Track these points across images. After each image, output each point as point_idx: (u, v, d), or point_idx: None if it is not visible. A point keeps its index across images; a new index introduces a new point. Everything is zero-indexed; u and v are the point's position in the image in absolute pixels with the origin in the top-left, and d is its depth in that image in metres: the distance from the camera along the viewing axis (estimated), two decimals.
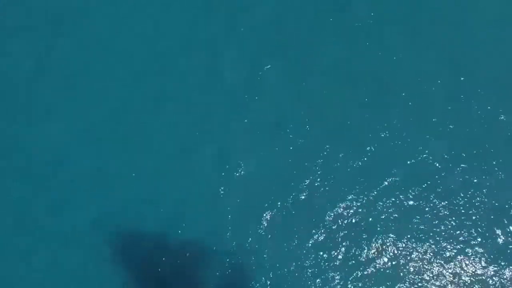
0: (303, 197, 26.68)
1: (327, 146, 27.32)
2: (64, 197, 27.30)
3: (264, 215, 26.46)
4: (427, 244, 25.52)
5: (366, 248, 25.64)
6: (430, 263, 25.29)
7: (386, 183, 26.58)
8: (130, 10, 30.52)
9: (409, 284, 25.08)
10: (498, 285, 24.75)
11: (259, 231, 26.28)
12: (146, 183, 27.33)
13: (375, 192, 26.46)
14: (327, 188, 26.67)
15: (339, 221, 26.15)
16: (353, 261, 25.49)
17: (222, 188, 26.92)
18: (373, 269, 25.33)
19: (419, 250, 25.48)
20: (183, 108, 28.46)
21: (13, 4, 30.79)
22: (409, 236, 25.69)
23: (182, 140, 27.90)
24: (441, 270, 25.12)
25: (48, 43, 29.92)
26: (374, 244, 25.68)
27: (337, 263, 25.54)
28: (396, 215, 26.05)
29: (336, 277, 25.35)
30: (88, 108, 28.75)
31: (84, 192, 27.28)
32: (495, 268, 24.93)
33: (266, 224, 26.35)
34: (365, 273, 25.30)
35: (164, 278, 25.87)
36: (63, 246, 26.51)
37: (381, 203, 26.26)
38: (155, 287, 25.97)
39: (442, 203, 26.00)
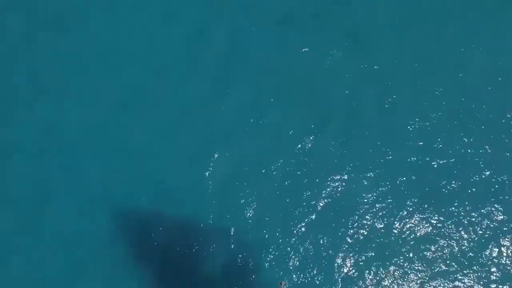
0: (291, 180, 26.98)
1: (313, 128, 27.71)
2: (64, 197, 27.28)
3: (251, 197, 26.76)
4: (418, 231, 25.83)
5: (352, 232, 25.90)
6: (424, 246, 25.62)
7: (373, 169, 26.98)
8: (129, 10, 30.61)
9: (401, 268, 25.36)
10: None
11: (247, 208, 26.58)
12: (146, 182, 27.35)
13: (363, 176, 26.86)
14: (313, 173, 27.00)
15: (324, 200, 26.49)
16: (341, 245, 25.82)
17: (216, 181, 27.10)
18: (362, 256, 25.59)
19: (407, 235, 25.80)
20: (181, 105, 28.70)
21: (13, 4, 30.85)
22: (396, 221, 26.00)
23: (179, 140, 28.13)
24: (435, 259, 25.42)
25: (48, 43, 29.97)
26: (362, 228, 25.90)
27: (322, 238, 25.89)
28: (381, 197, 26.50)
29: (321, 255, 25.67)
30: (87, 108, 28.80)
31: (84, 192, 27.28)
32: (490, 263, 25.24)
33: (254, 203, 26.66)
34: (354, 260, 25.53)
35: (163, 275, 25.91)
36: (63, 246, 26.45)
37: (368, 189, 26.64)
38: (154, 284, 25.95)
39: (437, 195, 26.39)
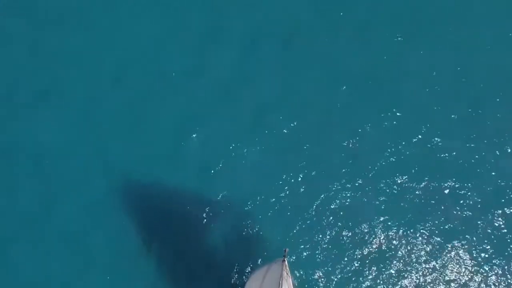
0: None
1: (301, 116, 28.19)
2: (64, 197, 27.21)
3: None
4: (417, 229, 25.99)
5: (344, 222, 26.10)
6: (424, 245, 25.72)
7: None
8: (129, 10, 30.80)
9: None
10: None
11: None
12: (144, 181, 27.36)
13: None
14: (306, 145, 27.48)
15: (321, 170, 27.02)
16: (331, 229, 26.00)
17: (214, 177, 27.35)
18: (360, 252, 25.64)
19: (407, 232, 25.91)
20: (181, 102, 28.95)
21: (13, 4, 30.95)
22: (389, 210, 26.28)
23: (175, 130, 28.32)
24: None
25: (48, 42, 30.06)
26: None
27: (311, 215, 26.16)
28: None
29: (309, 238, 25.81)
30: (85, 106, 28.85)
31: (82, 192, 27.21)
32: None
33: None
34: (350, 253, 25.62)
35: (163, 275, 25.85)
36: (63, 246, 26.30)
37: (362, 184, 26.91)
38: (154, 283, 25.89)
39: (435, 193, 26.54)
